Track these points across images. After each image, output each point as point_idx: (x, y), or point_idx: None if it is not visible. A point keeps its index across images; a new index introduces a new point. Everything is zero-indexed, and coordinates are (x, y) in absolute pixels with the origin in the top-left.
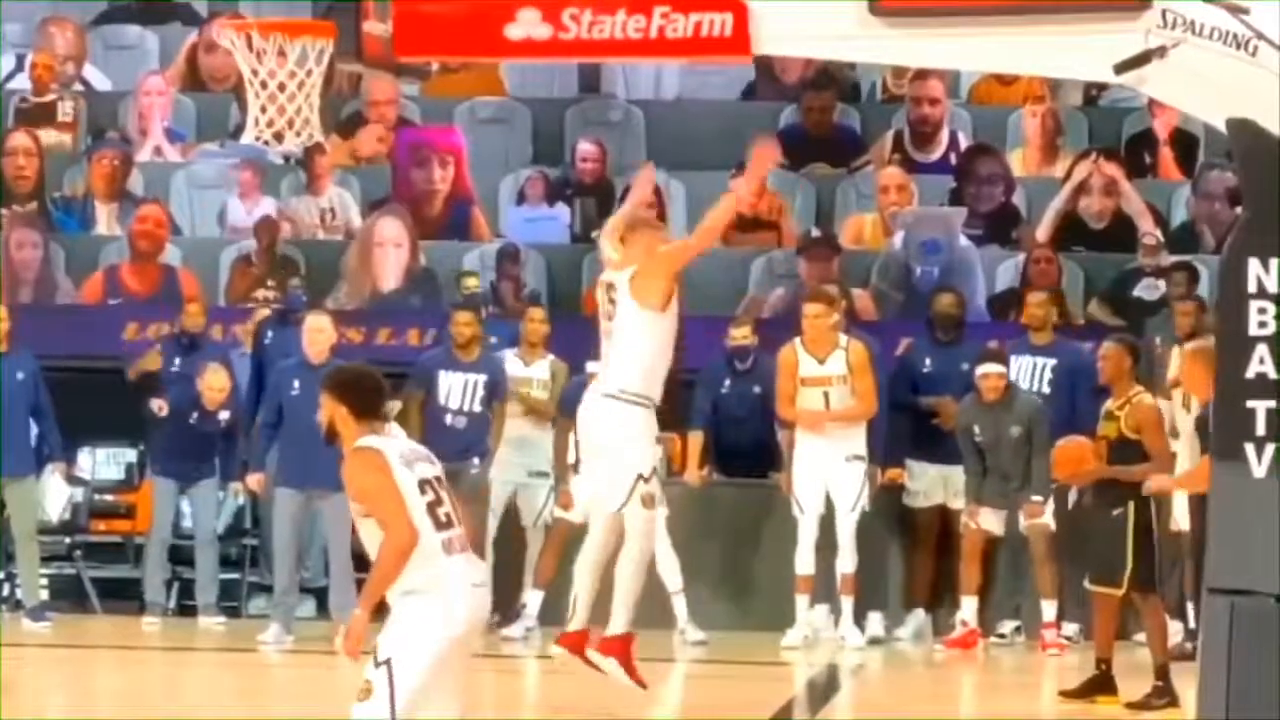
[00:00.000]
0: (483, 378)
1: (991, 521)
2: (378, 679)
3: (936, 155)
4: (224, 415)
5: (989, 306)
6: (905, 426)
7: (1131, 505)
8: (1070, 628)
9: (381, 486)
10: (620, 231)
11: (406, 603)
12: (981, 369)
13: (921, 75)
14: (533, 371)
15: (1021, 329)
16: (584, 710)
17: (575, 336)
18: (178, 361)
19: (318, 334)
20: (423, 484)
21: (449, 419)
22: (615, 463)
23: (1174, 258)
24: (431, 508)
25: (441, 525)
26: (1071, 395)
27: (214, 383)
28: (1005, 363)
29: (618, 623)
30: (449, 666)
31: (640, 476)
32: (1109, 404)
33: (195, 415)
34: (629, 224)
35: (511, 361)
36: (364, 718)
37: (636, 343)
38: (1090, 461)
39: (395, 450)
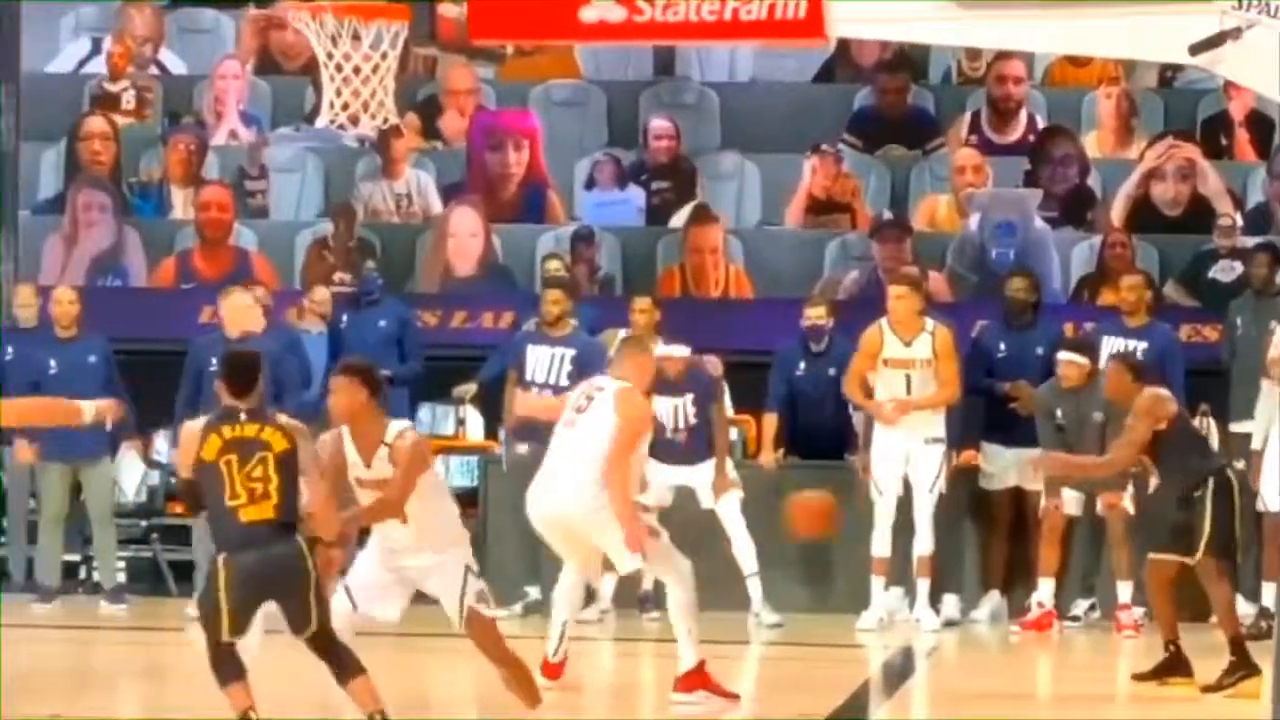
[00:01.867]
0: (570, 352)
1: (1072, 504)
2: None
3: (1014, 137)
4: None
5: (1073, 291)
6: (980, 410)
7: (1211, 483)
8: (1138, 611)
9: None
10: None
11: None
12: (1061, 356)
13: (1004, 55)
14: None
15: (1098, 311)
16: (658, 691)
17: None
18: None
19: (240, 310)
20: None
21: (535, 393)
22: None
23: (1249, 239)
24: None
25: None
26: (1161, 378)
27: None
28: (1088, 352)
29: (688, 660)
30: None
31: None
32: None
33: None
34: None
35: None
36: None
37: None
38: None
39: None
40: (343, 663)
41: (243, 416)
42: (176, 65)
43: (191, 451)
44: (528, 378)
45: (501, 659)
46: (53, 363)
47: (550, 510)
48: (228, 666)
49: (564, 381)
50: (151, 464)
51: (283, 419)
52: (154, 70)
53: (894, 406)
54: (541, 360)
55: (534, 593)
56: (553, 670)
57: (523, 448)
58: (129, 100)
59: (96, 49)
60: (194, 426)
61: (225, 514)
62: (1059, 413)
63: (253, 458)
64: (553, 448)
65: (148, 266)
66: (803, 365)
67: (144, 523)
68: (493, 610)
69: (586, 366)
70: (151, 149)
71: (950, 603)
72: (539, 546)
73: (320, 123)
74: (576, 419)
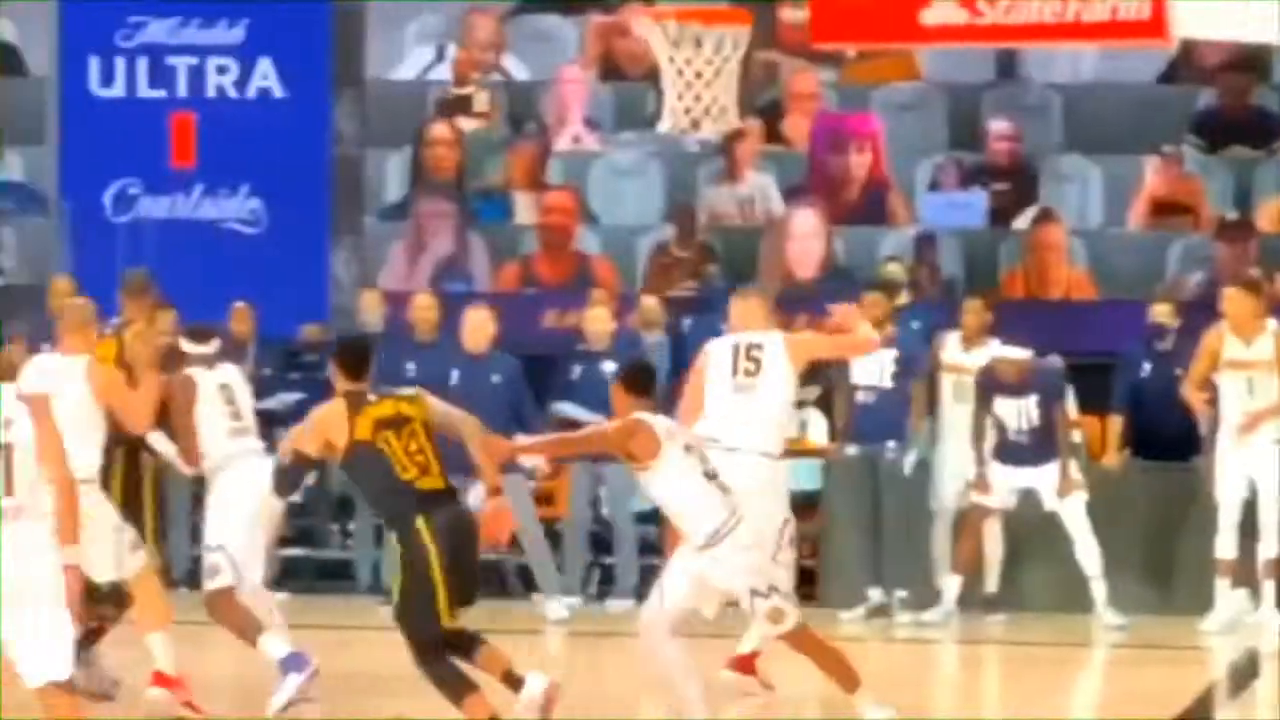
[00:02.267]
0: (892, 353)
1: None
2: None
3: None
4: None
5: None
6: None
7: None
8: None
9: None
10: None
11: None
12: None
13: None
14: (969, 358)
15: None
16: (1002, 697)
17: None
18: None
19: (476, 326)
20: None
21: (860, 396)
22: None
23: None
24: None
25: None
26: None
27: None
28: None
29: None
30: None
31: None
32: None
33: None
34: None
35: (952, 348)
36: None
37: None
38: None
39: None
40: (469, 649)
41: (371, 398)
42: (520, 71)
43: (337, 431)
44: (852, 380)
45: (811, 652)
46: (411, 367)
47: (744, 488)
48: (457, 678)
49: (887, 383)
50: None
51: (400, 391)
52: (498, 76)
53: (1243, 423)
54: (867, 361)
55: (876, 595)
56: (739, 663)
57: (852, 449)
58: (473, 106)
59: (441, 55)
60: (326, 409)
61: (400, 486)
62: None
63: (404, 431)
64: (724, 416)
65: (491, 271)
66: (1147, 366)
67: None
68: (787, 624)
69: (910, 366)
70: (495, 154)
71: None
72: (882, 549)
73: (663, 127)
74: (751, 383)
